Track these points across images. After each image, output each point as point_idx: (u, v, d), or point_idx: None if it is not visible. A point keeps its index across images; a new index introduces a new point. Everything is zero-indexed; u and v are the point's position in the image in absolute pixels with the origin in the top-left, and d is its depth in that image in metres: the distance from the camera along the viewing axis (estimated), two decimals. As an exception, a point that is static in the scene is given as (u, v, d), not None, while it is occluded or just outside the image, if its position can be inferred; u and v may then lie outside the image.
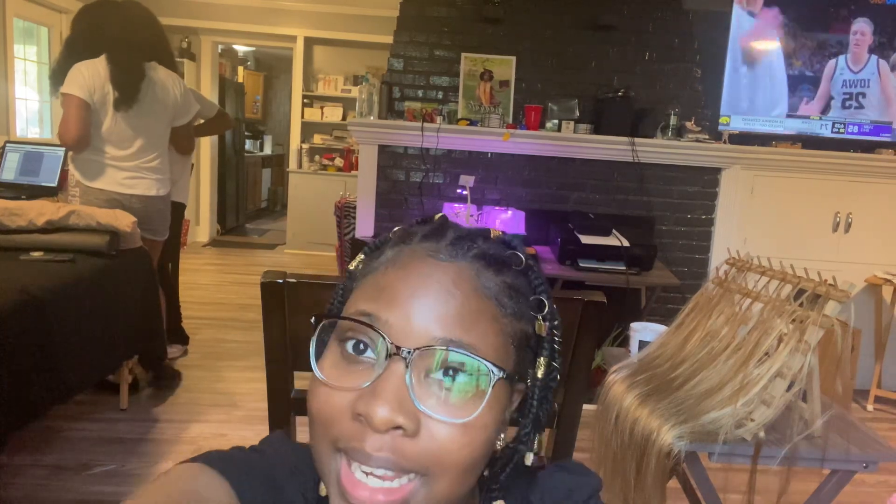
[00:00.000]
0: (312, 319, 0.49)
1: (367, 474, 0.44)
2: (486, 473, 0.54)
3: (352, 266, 0.54)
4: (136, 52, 2.65)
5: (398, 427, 0.43)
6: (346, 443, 0.45)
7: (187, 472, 0.50)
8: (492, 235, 0.52)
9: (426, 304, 0.46)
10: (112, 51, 2.58)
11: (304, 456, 0.55)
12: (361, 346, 0.47)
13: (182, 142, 2.93)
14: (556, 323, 0.53)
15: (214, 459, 0.52)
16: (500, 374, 0.46)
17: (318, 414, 0.46)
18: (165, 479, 0.48)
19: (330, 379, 0.46)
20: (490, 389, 0.46)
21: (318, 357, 0.48)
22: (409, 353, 0.44)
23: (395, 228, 0.54)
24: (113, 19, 2.64)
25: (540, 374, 0.51)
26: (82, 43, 2.63)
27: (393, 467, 0.44)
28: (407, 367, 0.44)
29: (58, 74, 2.63)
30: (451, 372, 0.45)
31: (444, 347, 0.45)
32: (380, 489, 0.44)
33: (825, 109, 3.50)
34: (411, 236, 0.51)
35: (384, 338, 0.45)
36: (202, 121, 3.24)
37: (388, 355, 0.45)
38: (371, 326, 0.46)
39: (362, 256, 0.54)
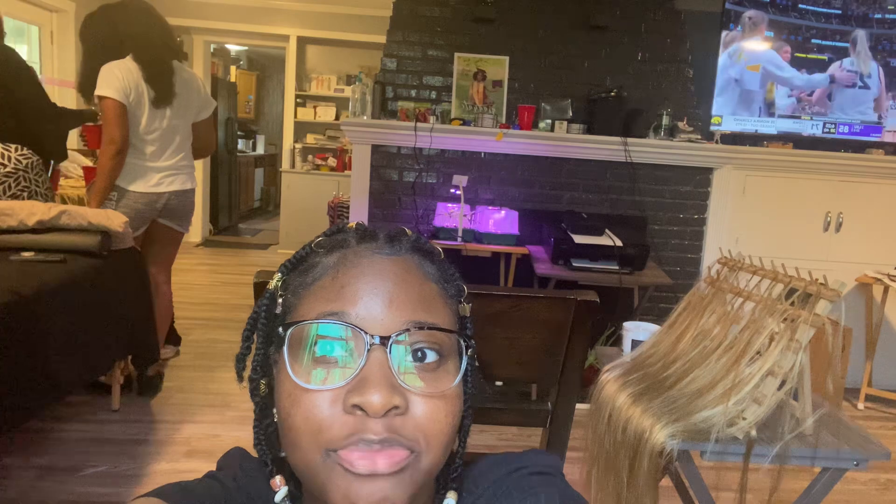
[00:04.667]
0: (280, 329, 0.50)
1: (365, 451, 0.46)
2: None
3: (271, 285, 0.54)
4: (161, 50, 2.68)
5: (393, 408, 0.46)
6: (344, 441, 0.46)
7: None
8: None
9: (388, 294, 0.50)
10: (138, 50, 2.60)
11: (258, 477, 0.56)
12: (328, 347, 0.48)
13: (204, 139, 2.97)
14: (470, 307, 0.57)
15: (169, 493, 0.52)
16: (468, 343, 0.52)
17: (307, 422, 0.47)
18: None
19: (310, 385, 0.47)
20: (465, 358, 0.51)
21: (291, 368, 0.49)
22: (386, 339, 0.47)
23: (317, 240, 0.55)
24: (131, 20, 2.66)
25: (469, 352, 0.54)
26: (104, 47, 2.63)
27: (392, 443, 0.46)
28: (388, 352, 0.47)
29: (86, 83, 2.63)
30: (419, 353, 0.49)
31: (417, 328, 0.49)
32: (379, 453, 0.46)
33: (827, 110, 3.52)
34: (345, 242, 0.54)
35: (361, 330, 0.47)
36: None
37: (368, 346, 0.47)
38: (348, 324, 0.48)
39: (280, 275, 0.55)
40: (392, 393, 0.45)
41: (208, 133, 3.00)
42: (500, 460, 0.60)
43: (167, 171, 2.76)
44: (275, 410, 0.53)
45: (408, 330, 0.48)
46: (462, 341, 0.52)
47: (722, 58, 3.44)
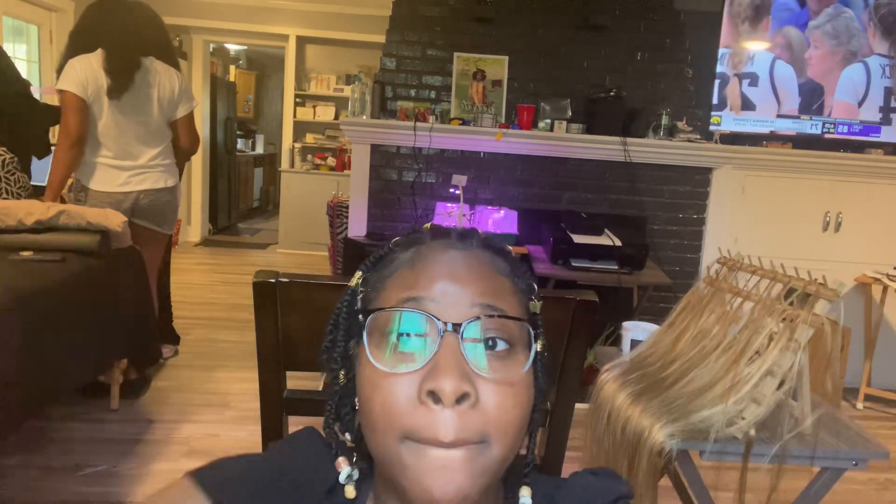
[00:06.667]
0: (360, 316, 0.54)
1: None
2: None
3: (352, 283, 0.58)
4: (134, 46, 2.67)
5: (464, 396, 0.47)
6: (419, 433, 0.48)
7: (176, 492, 0.53)
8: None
9: (461, 282, 0.52)
10: (109, 44, 2.61)
11: (322, 462, 0.58)
12: (405, 334, 0.51)
13: (184, 137, 2.90)
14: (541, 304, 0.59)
15: (207, 476, 0.55)
16: (537, 332, 0.54)
17: (384, 407, 0.49)
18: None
19: (389, 369, 0.50)
20: (534, 346, 0.53)
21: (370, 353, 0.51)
22: (458, 326, 0.49)
23: (395, 240, 0.59)
24: (116, 15, 2.67)
25: (539, 347, 0.55)
26: (84, 38, 2.65)
27: (462, 445, 0.48)
28: (461, 339, 0.49)
29: (62, 69, 2.65)
30: (490, 342, 0.51)
31: (490, 315, 0.51)
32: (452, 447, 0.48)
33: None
34: (420, 239, 0.57)
35: (435, 318, 0.49)
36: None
37: (441, 332, 0.49)
38: (423, 311, 0.50)
39: (360, 273, 0.58)
40: (462, 380, 0.47)
41: (189, 130, 2.90)
42: (598, 487, 0.59)
43: (136, 171, 2.71)
44: (356, 399, 0.55)
45: (479, 317, 0.50)
46: (531, 330, 0.53)
47: (721, 57, 3.42)
